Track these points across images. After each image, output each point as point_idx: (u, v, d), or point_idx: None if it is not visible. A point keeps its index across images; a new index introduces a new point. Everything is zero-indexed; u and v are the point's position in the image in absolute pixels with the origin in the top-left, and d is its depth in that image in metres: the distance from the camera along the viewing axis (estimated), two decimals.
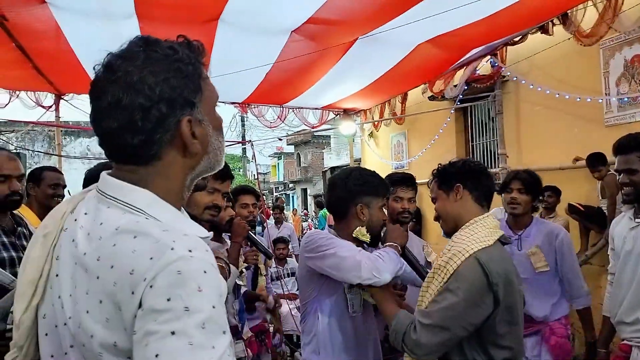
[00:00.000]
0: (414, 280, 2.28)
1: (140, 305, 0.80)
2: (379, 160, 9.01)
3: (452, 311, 1.66)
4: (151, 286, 0.80)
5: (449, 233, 1.94)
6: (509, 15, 4.26)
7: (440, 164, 2.02)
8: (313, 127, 8.48)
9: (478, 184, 1.90)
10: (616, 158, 2.34)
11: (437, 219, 2.01)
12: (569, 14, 4.30)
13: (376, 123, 8.40)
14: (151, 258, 0.82)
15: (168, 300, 0.79)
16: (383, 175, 2.36)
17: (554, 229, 2.93)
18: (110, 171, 0.98)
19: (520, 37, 4.97)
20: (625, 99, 4.51)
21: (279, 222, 8.22)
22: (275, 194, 35.95)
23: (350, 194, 2.08)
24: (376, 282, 1.84)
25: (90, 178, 2.05)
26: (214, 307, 0.82)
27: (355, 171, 2.17)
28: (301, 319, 2.17)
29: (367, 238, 2.06)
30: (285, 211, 12.06)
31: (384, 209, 2.17)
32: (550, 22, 4.56)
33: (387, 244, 2.03)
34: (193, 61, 0.97)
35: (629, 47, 4.45)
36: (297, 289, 5.78)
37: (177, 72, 0.93)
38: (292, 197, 33.42)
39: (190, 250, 0.84)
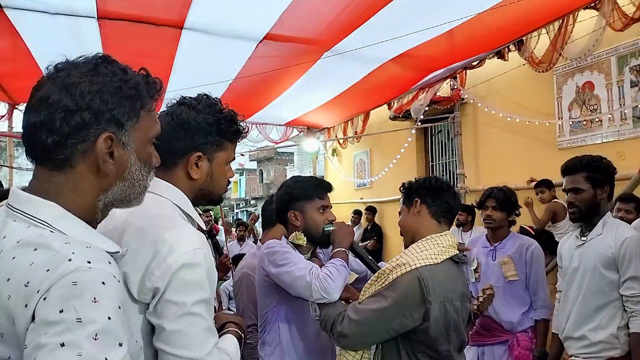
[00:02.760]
0: (365, 272, 2.30)
1: (33, 319, 0.79)
2: (342, 178, 9.08)
3: (379, 315, 1.77)
4: (45, 298, 0.79)
5: (407, 246, 1.99)
6: (467, 39, 4.42)
7: (410, 181, 2.10)
8: (276, 143, 8.49)
9: (436, 199, 1.95)
10: (564, 179, 2.47)
11: (401, 233, 2.08)
12: (524, 40, 4.50)
13: (341, 141, 8.49)
14: (47, 270, 0.81)
15: (61, 311, 0.77)
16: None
17: (527, 242, 3.10)
18: (23, 185, 0.97)
19: (478, 61, 5.15)
20: (577, 123, 4.72)
21: (241, 239, 8.13)
22: (236, 210, 35.53)
23: (282, 203, 2.14)
24: (326, 301, 1.89)
25: None
26: (109, 318, 0.80)
27: (288, 180, 2.24)
28: (260, 329, 2.14)
29: (302, 241, 2.09)
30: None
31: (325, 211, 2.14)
32: (506, 48, 4.76)
33: (335, 250, 2.03)
34: (139, 88, 0.98)
35: (580, 74, 4.68)
36: None
37: (116, 90, 0.94)
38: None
39: (89, 262, 0.83)
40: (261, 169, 32.54)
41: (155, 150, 1.08)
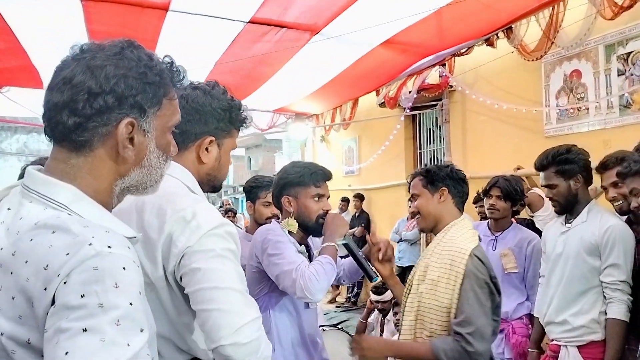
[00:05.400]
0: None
1: (53, 302, 0.78)
2: (330, 164, 9.06)
3: (481, 308, 1.82)
4: (65, 282, 0.78)
5: (425, 229, 2.10)
6: (456, 25, 4.40)
7: (426, 164, 2.16)
8: (263, 131, 8.42)
9: (460, 190, 2.07)
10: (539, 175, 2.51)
11: (415, 214, 2.13)
12: (513, 27, 4.49)
13: (327, 128, 8.45)
14: (67, 254, 0.80)
15: (82, 296, 0.77)
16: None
17: (529, 235, 3.08)
18: (38, 166, 0.97)
19: (466, 48, 5.14)
20: (564, 111, 4.74)
21: None
22: (224, 197, 35.38)
23: (278, 187, 2.12)
24: (310, 301, 1.88)
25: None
26: (131, 303, 0.81)
27: (286, 165, 2.20)
28: None
29: (293, 228, 2.07)
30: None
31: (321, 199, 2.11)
32: (495, 35, 4.74)
33: (324, 245, 2.00)
34: (164, 75, 0.99)
35: (568, 62, 4.68)
36: None
37: (141, 75, 0.94)
38: (242, 201, 33.05)
39: (109, 246, 0.83)
40: (249, 156, 32.37)
41: (173, 139, 1.08)
